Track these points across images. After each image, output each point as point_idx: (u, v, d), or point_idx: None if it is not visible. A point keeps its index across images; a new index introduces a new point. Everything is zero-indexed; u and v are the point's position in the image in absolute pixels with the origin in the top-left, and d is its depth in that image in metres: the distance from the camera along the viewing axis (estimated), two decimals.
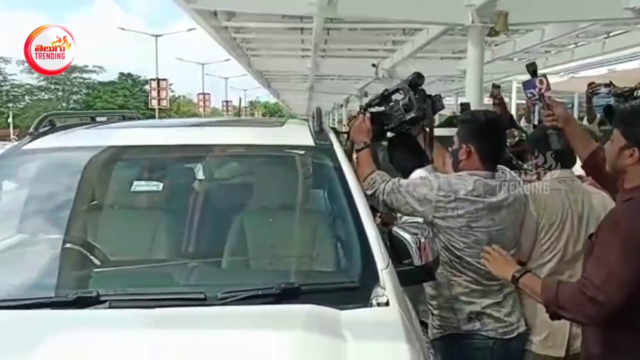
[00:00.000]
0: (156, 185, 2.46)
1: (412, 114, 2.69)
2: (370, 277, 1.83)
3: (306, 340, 1.56)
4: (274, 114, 62.85)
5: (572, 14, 7.25)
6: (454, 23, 7.19)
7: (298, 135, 2.59)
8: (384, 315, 1.71)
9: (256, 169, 2.71)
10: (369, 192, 2.45)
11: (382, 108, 2.83)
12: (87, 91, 53.55)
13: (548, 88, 2.60)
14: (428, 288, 2.51)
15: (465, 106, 5.17)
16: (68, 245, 2.19)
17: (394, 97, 2.81)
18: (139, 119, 3.63)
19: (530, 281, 2.10)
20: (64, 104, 50.37)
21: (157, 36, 37.89)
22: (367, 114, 2.75)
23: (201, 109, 47.47)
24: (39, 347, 1.52)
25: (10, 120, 37.52)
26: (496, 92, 5.46)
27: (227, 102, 55.29)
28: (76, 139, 2.58)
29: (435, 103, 2.77)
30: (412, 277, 2.02)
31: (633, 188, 2.02)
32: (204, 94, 48.74)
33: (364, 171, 2.56)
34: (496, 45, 10.97)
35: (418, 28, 9.57)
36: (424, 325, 2.49)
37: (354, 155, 2.77)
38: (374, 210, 2.44)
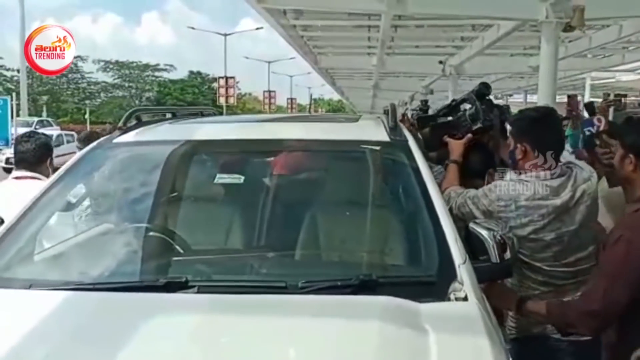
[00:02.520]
0: (238, 178, 2.54)
1: (478, 124, 2.76)
2: (447, 271, 1.83)
3: (389, 330, 1.58)
4: (336, 112, 62.92)
5: None
6: (527, 18, 7.01)
7: (373, 131, 2.61)
8: (464, 310, 1.70)
9: (331, 163, 2.75)
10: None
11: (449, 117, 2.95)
12: (159, 89, 55.30)
13: (606, 127, 2.71)
14: None
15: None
16: (154, 233, 2.32)
17: (461, 107, 2.90)
18: (215, 114, 3.76)
19: (534, 306, 2.19)
20: (136, 101, 52.26)
21: (225, 35, 38.82)
22: (468, 136, 2.82)
23: (266, 107, 48.15)
24: (133, 326, 1.62)
25: (87, 116, 39.31)
26: None
27: (291, 99, 55.83)
28: (161, 133, 2.71)
29: (503, 113, 2.80)
30: (489, 274, 2.00)
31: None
32: (269, 91, 49.42)
33: (444, 185, 2.67)
34: (570, 41, 10.59)
35: (488, 24, 9.38)
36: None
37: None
38: None
